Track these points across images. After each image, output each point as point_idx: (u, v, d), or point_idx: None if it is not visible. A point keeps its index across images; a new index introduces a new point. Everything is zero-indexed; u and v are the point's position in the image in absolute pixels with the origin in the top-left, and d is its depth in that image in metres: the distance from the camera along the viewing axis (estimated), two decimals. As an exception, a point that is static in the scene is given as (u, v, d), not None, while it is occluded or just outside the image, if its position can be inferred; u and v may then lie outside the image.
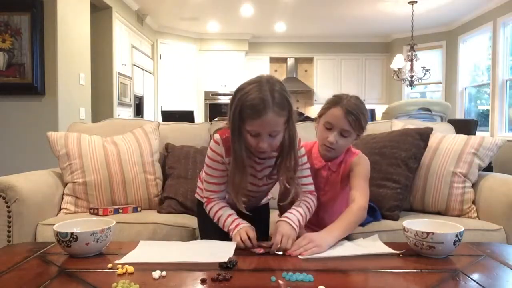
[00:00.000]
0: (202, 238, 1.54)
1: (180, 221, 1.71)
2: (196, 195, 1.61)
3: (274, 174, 1.39)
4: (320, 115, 1.47)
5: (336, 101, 1.42)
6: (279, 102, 1.21)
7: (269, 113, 1.19)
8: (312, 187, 1.42)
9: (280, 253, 1.20)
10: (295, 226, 1.28)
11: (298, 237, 1.27)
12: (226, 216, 1.34)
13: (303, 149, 1.40)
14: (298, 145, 1.34)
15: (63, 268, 1.08)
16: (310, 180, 1.41)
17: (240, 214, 1.40)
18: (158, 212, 1.87)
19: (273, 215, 1.78)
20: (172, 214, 1.81)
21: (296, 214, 1.32)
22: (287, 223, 1.28)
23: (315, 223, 1.53)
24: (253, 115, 1.19)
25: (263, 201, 1.64)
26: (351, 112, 1.37)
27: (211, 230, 1.44)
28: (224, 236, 1.35)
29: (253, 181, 1.40)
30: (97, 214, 1.77)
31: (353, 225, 1.36)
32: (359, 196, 1.41)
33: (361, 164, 1.49)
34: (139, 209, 1.89)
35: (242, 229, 1.27)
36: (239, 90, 1.24)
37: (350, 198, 1.43)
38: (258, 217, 1.56)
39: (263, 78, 1.24)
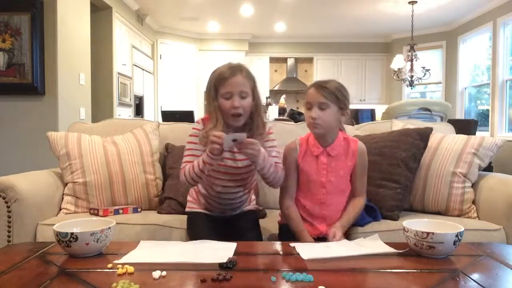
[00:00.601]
0: None
1: (180, 223, 1.70)
2: (186, 208, 1.67)
3: None
4: (304, 104, 1.58)
5: (311, 85, 1.56)
6: (245, 71, 1.50)
7: (238, 75, 1.46)
8: (281, 165, 1.54)
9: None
10: (262, 150, 1.40)
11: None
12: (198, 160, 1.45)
13: (273, 135, 1.57)
14: (266, 132, 1.54)
15: (63, 268, 1.08)
16: (278, 160, 1.54)
17: (229, 223, 1.54)
18: (158, 212, 1.87)
19: (271, 216, 1.78)
20: (172, 215, 1.81)
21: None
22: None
23: (319, 213, 1.54)
24: (225, 79, 1.46)
25: (249, 206, 1.69)
26: (322, 86, 1.50)
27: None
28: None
29: (231, 156, 1.52)
30: (97, 214, 1.77)
31: (355, 219, 1.56)
32: (363, 194, 1.58)
33: (365, 153, 1.59)
34: (139, 210, 1.89)
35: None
36: (212, 72, 1.52)
37: (355, 190, 1.57)
38: (246, 224, 1.60)
39: (232, 62, 1.54)
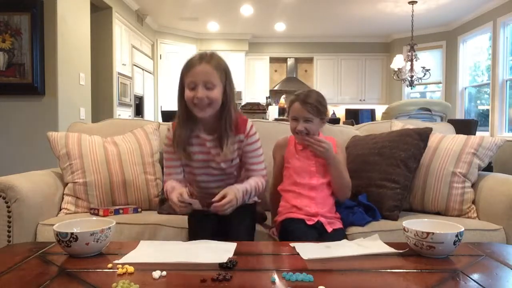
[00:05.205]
0: None
1: (181, 222, 1.69)
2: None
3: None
4: (288, 112, 1.73)
5: (295, 98, 1.69)
6: (215, 60, 1.41)
7: (203, 63, 1.39)
8: (264, 172, 1.60)
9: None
10: (239, 196, 1.40)
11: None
12: (170, 187, 1.48)
13: (257, 134, 1.57)
14: (249, 129, 1.53)
15: (63, 268, 1.08)
16: (262, 166, 1.59)
17: (224, 219, 1.46)
18: (159, 213, 1.87)
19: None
20: (172, 216, 1.80)
21: (245, 185, 1.47)
22: (233, 190, 1.40)
23: (308, 195, 1.63)
24: (190, 67, 1.40)
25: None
26: (307, 102, 1.63)
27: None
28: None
29: (202, 150, 1.53)
30: (97, 214, 1.77)
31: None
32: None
33: (343, 148, 1.74)
34: (139, 210, 1.88)
35: (176, 191, 1.41)
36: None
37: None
38: (238, 221, 1.52)
39: (207, 51, 1.47)
